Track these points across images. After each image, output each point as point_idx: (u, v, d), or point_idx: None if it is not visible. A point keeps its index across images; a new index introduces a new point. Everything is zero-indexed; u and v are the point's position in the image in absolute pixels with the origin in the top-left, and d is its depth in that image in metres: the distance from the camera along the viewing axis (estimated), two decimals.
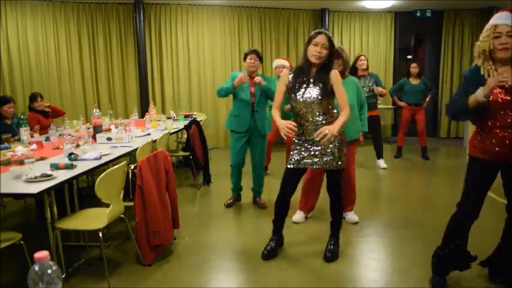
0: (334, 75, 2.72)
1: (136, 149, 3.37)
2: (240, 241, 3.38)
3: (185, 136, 5.22)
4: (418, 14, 7.96)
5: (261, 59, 3.96)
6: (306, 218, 3.79)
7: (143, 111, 6.56)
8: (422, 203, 4.34)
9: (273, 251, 3.02)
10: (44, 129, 4.58)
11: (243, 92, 3.90)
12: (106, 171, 2.54)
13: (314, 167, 2.83)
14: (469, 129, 5.41)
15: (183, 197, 4.45)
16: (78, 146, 3.44)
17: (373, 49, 8.27)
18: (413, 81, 6.23)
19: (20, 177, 2.50)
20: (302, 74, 2.73)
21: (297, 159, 2.82)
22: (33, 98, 4.87)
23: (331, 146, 2.76)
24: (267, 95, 3.93)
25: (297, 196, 3.76)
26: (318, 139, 2.63)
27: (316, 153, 2.79)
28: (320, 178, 3.65)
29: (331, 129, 2.57)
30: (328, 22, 8.00)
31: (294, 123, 2.69)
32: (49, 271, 0.93)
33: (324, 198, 3.43)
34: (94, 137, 3.82)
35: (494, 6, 7.58)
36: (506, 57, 2.14)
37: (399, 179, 5.48)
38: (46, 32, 6.56)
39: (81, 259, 3.04)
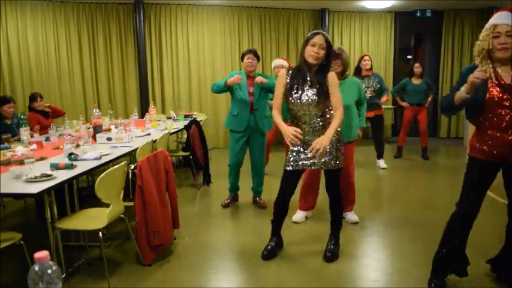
0: (332, 77, 2.72)
1: (136, 149, 3.37)
2: (240, 241, 3.38)
3: (185, 136, 5.22)
4: (418, 14, 7.96)
5: (258, 58, 3.98)
6: (306, 217, 3.79)
7: (143, 111, 6.56)
8: (422, 203, 4.34)
9: (272, 251, 3.02)
10: (44, 129, 4.58)
11: (240, 91, 3.91)
12: (106, 171, 2.54)
13: (313, 167, 2.83)
14: (469, 129, 5.41)
15: (183, 197, 4.45)
16: (78, 146, 3.44)
17: (373, 49, 8.27)
18: (416, 81, 6.23)
19: (20, 177, 2.50)
20: (299, 75, 2.72)
21: (295, 161, 2.81)
22: (33, 98, 4.87)
23: (329, 146, 2.76)
24: (267, 90, 3.93)
25: (296, 196, 3.77)
26: (310, 156, 2.69)
27: (314, 154, 2.79)
28: (318, 176, 3.65)
29: (323, 143, 2.60)
30: (328, 22, 8.00)
31: (299, 131, 2.69)
32: (49, 271, 0.93)
33: (324, 198, 3.43)
34: (94, 137, 3.82)
35: (494, 6, 7.58)
36: (505, 57, 2.14)
37: (399, 179, 5.48)
38: (46, 32, 6.57)
39: (81, 259, 3.04)
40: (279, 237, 3.11)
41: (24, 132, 3.89)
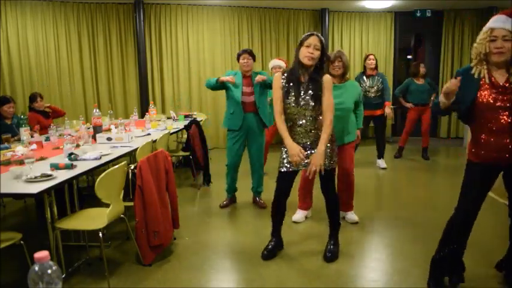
0: (327, 81, 2.72)
1: (136, 149, 3.37)
2: (240, 241, 3.38)
3: (185, 136, 5.22)
4: (418, 14, 7.96)
5: (254, 58, 4.00)
6: (306, 217, 3.80)
7: (143, 111, 6.56)
8: (422, 203, 4.34)
9: (272, 251, 3.03)
10: (44, 129, 4.58)
11: (234, 91, 3.92)
12: (106, 171, 2.55)
13: (303, 167, 2.83)
14: (469, 129, 5.39)
15: (183, 197, 4.45)
16: (78, 146, 3.44)
17: (373, 49, 8.26)
18: (419, 81, 6.22)
19: (20, 177, 2.50)
20: (295, 78, 2.72)
21: (289, 162, 2.81)
22: (33, 98, 4.87)
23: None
24: (267, 86, 3.92)
25: (295, 196, 3.77)
26: (310, 178, 2.79)
27: (308, 155, 2.79)
28: (314, 176, 3.65)
29: (318, 162, 2.68)
30: (328, 22, 8.00)
31: (303, 151, 2.73)
32: (49, 271, 0.93)
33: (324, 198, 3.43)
34: (94, 137, 3.82)
35: (494, 6, 7.59)
36: (501, 61, 2.15)
37: (399, 179, 5.48)
38: (46, 32, 6.56)
39: (81, 259, 3.04)
40: (279, 237, 3.11)
41: (24, 132, 3.89)
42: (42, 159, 3.09)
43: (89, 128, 4.29)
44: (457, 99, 2.26)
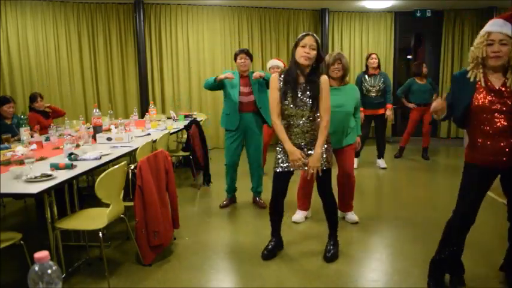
0: (324, 82, 2.72)
1: (136, 149, 3.37)
2: (240, 241, 3.38)
3: (185, 136, 5.22)
4: (418, 14, 7.96)
5: (251, 57, 4.01)
6: (306, 217, 3.79)
7: (143, 111, 6.56)
8: (422, 203, 4.33)
9: (272, 251, 3.03)
10: (44, 129, 4.58)
11: (231, 90, 3.92)
12: (106, 171, 2.55)
13: (301, 168, 2.83)
14: None
15: (183, 197, 4.45)
16: (78, 146, 3.44)
17: (373, 49, 8.25)
18: (420, 81, 6.22)
19: (20, 177, 2.50)
20: (292, 79, 2.72)
21: (284, 162, 2.82)
22: (33, 98, 4.86)
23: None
24: (266, 83, 3.91)
25: (295, 196, 3.77)
26: (309, 178, 2.80)
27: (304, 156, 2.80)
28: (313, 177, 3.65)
29: (314, 164, 2.71)
30: (328, 22, 8.00)
31: (303, 155, 2.75)
32: (49, 271, 0.93)
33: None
34: (94, 137, 3.82)
35: (494, 6, 7.58)
36: (497, 65, 2.15)
37: (399, 179, 5.48)
38: (46, 32, 6.56)
39: (81, 259, 3.04)
40: (278, 237, 3.11)
41: (24, 132, 3.89)
42: (42, 159, 3.09)
43: (89, 128, 4.29)
44: (452, 103, 2.28)
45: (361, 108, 5.35)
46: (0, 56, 6.20)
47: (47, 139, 4.00)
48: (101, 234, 2.58)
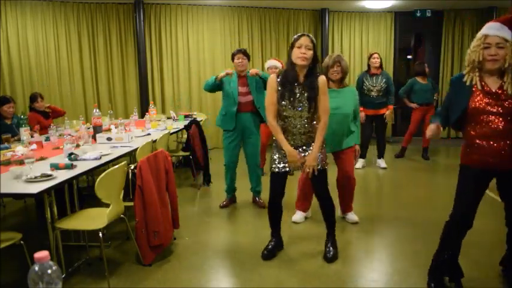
0: (322, 83, 2.72)
1: (136, 149, 3.38)
2: (239, 241, 3.38)
3: (185, 136, 5.22)
4: (418, 14, 7.96)
5: (248, 57, 4.01)
6: (306, 218, 3.79)
7: (143, 111, 6.56)
8: (422, 203, 4.33)
9: (272, 251, 3.03)
10: (44, 129, 4.57)
11: (230, 88, 3.92)
12: (106, 171, 2.55)
13: (299, 169, 2.84)
14: None
15: (183, 197, 4.45)
16: (78, 146, 3.44)
17: (373, 49, 8.22)
18: (422, 81, 6.22)
19: (20, 177, 2.50)
20: (289, 80, 2.71)
21: (280, 163, 2.82)
22: (34, 98, 4.86)
23: (311, 148, 2.78)
24: (263, 82, 3.90)
25: (294, 196, 3.77)
26: (305, 176, 2.79)
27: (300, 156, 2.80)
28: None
29: (311, 163, 2.73)
30: (328, 22, 8.00)
31: (301, 155, 2.77)
32: (49, 271, 0.93)
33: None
34: (94, 137, 3.82)
35: (494, 6, 7.58)
36: (494, 68, 2.15)
37: (399, 179, 5.47)
38: (46, 32, 6.56)
39: (81, 259, 3.04)
40: (278, 237, 3.11)
41: (24, 132, 3.89)
42: (42, 159, 3.09)
43: (89, 128, 4.29)
44: (449, 106, 2.29)
45: (362, 108, 5.36)
46: (0, 56, 6.19)
47: (47, 139, 4.00)
48: (101, 234, 2.58)
